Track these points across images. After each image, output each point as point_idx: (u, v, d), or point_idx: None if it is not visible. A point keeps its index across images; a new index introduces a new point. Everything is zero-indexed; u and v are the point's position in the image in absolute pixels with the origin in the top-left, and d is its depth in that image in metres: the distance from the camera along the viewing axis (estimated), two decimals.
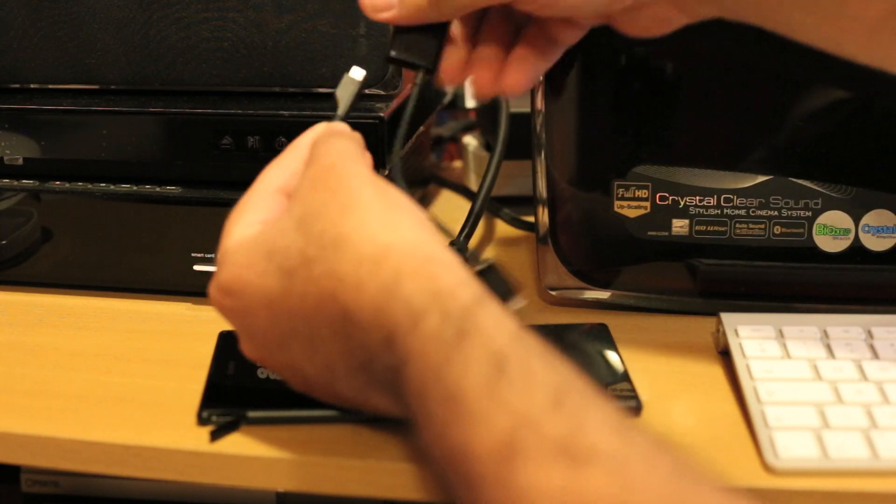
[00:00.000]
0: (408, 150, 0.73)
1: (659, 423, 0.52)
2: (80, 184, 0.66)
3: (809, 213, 0.61)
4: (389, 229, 0.42)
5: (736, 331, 0.56)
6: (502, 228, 0.80)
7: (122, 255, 0.66)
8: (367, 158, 0.48)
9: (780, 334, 0.55)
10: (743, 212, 0.62)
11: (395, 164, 0.58)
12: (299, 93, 0.65)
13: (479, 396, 0.36)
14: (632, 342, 0.59)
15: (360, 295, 0.41)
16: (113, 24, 0.65)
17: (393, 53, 0.53)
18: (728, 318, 0.57)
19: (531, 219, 0.71)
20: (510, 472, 0.34)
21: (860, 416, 0.49)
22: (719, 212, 0.62)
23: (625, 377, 0.54)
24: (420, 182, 0.85)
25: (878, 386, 0.51)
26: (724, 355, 0.57)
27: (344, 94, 0.53)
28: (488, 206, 0.78)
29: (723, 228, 0.62)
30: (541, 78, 0.60)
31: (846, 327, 0.56)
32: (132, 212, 0.65)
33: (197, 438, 0.50)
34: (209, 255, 0.64)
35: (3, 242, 0.67)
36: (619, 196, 0.62)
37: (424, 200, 0.85)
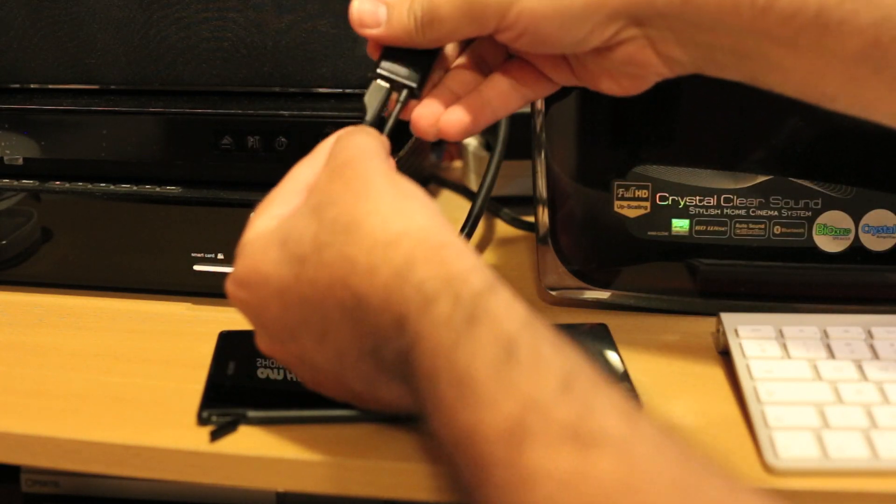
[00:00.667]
0: (407, 151, 0.73)
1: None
2: (80, 184, 0.66)
3: (809, 213, 0.61)
4: (402, 216, 0.43)
5: (736, 331, 0.56)
6: (502, 228, 0.80)
7: (122, 255, 0.66)
8: (386, 156, 0.48)
9: (780, 334, 0.55)
10: (743, 212, 0.62)
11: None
12: (299, 93, 0.65)
13: (488, 380, 0.36)
14: (632, 342, 0.59)
15: (373, 279, 0.41)
16: (113, 24, 0.65)
17: (381, 70, 0.52)
18: (728, 318, 0.57)
19: (531, 219, 0.71)
20: (518, 454, 0.34)
21: (860, 416, 0.49)
22: (719, 212, 0.62)
23: (625, 377, 0.55)
24: (420, 182, 0.85)
25: (878, 386, 0.51)
26: (724, 355, 0.57)
27: (372, 101, 0.52)
28: (488, 206, 0.78)
29: (723, 228, 0.62)
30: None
31: (846, 327, 0.56)
32: (132, 212, 0.65)
33: (197, 438, 0.50)
34: (209, 255, 0.64)
35: (3, 242, 0.67)
36: (619, 196, 0.62)
37: None
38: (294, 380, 0.52)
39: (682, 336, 0.61)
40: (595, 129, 0.62)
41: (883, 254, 0.61)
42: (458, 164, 0.96)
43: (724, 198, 0.62)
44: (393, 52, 0.52)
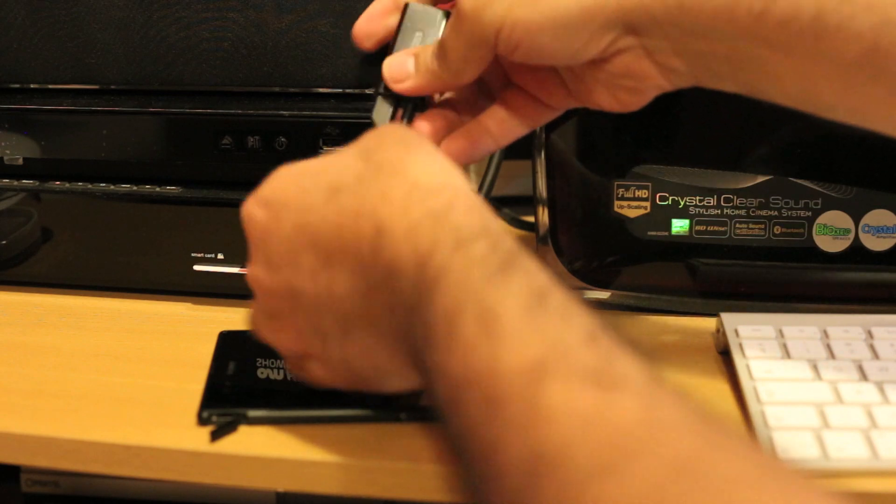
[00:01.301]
0: None
1: None
2: (80, 184, 0.66)
3: (809, 213, 0.61)
4: (447, 174, 0.44)
5: (736, 331, 0.56)
6: None
7: (122, 255, 0.66)
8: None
9: (780, 334, 0.55)
10: (743, 212, 0.62)
11: None
12: (299, 93, 0.65)
13: (516, 319, 0.37)
14: (631, 342, 0.59)
15: (404, 214, 0.42)
16: (113, 24, 0.65)
17: (383, 88, 0.53)
18: (728, 318, 0.57)
19: (531, 219, 0.71)
20: (537, 390, 0.35)
21: (860, 416, 0.49)
22: (719, 212, 0.62)
23: None
24: None
25: (878, 386, 0.51)
26: (724, 355, 0.57)
27: (379, 118, 0.53)
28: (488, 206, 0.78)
29: (723, 228, 0.62)
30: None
31: (846, 327, 0.56)
32: (132, 212, 0.65)
33: (197, 438, 0.50)
34: (209, 255, 0.64)
35: (3, 242, 0.67)
36: (619, 196, 0.62)
37: None
38: (294, 380, 0.52)
39: (682, 336, 0.61)
40: (595, 129, 0.62)
41: (883, 254, 0.61)
42: None
43: (724, 198, 0.62)
44: None
